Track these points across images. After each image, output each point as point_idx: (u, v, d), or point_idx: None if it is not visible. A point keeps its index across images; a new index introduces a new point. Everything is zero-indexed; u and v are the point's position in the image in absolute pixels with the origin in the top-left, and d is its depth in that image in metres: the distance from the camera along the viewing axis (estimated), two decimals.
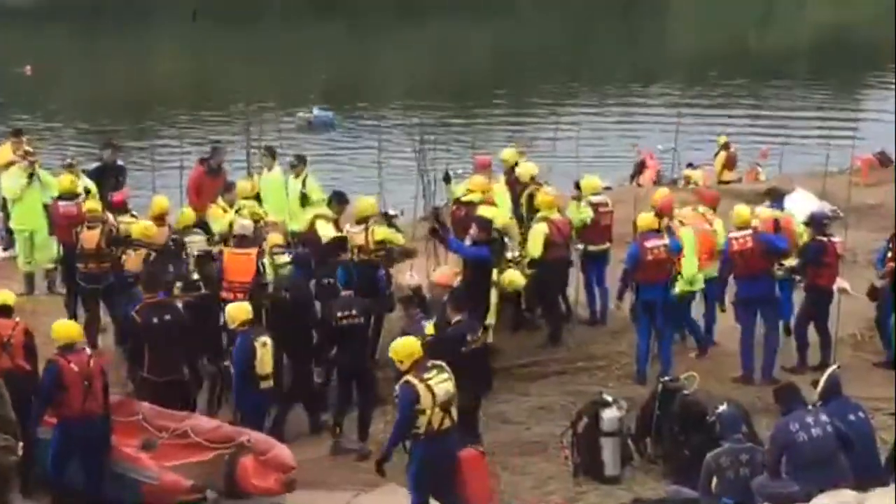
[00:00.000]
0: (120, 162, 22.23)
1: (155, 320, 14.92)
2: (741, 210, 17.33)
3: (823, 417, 11.72)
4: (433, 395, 12.04)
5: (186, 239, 17.89)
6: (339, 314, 15.19)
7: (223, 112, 42.83)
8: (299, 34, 68.05)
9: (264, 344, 14.68)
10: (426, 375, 12.13)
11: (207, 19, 78.65)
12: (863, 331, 18.30)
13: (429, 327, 14.31)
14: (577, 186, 19.57)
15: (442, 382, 12.13)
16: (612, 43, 63.64)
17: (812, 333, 17.29)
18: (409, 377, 12.14)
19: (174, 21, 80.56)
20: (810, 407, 11.97)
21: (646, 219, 17.23)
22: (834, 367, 12.73)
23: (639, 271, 16.80)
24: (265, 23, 76.76)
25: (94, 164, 22.19)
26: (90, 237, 17.87)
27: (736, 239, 16.90)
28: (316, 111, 42.34)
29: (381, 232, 17.49)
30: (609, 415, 14.06)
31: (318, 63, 56.46)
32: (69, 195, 19.24)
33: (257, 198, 19.61)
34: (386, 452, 12.49)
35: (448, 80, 53.38)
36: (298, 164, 20.61)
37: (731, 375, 16.79)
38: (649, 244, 16.80)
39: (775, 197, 19.25)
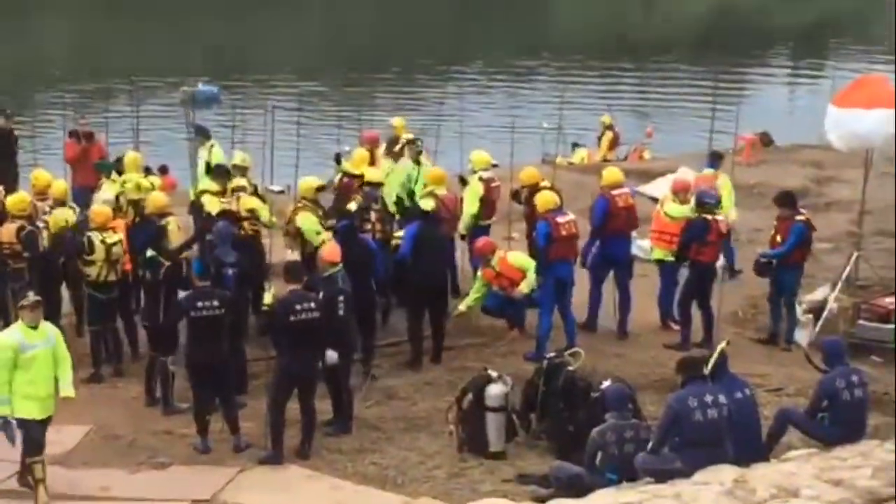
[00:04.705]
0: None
1: None
2: (615, 170, 18.07)
3: (722, 398, 11.70)
4: (106, 249, 15.79)
5: (56, 212, 17.28)
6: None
7: (107, 85, 42.14)
8: (182, 7, 67.35)
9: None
10: (104, 234, 15.86)
11: None
12: (744, 308, 18.55)
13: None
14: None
15: (113, 246, 15.91)
16: (494, 21, 63.66)
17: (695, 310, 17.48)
18: (91, 233, 15.97)
19: None
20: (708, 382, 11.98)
21: (546, 197, 17.24)
22: (723, 343, 12.78)
23: (551, 248, 16.79)
24: None
25: None
26: None
27: (619, 196, 17.38)
28: (200, 85, 41.85)
29: (250, 202, 17.35)
30: (494, 391, 14.03)
31: (200, 38, 55.82)
32: None
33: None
34: None
35: (333, 57, 53.08)
36: (200, 137, 20.85)
37: (612, 351, 16.97)
38: (560, 220, 16.84)
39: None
